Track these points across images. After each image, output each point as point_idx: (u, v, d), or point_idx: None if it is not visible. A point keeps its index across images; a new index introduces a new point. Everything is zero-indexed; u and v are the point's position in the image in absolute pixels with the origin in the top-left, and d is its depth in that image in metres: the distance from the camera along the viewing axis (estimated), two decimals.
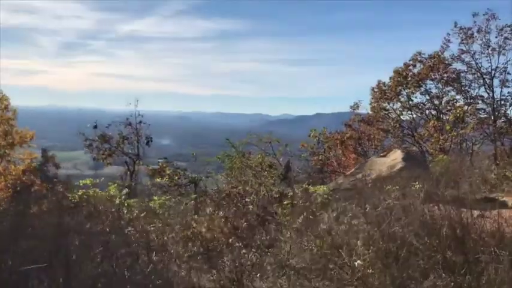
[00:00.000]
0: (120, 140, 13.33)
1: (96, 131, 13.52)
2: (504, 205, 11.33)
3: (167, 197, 8.26)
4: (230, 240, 6.83)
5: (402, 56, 24.57)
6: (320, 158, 18.22)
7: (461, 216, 6.65)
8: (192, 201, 8.58)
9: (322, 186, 7.57)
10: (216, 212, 7.97)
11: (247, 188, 9.12)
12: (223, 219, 6.83)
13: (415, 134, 23.40)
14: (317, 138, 19.25)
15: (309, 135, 19.56)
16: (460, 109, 19.49)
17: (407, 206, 5.87)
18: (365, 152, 19.47)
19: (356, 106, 21.15)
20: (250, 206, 7.89)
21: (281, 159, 18.22)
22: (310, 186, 7.58)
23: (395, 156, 11.72)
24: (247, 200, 8.26)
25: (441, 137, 20.04)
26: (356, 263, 4.32)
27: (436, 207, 6.64)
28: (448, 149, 21.35)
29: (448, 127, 19.06)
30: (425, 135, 22.07)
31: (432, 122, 21.08)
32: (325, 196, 7.01)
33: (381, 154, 12.98)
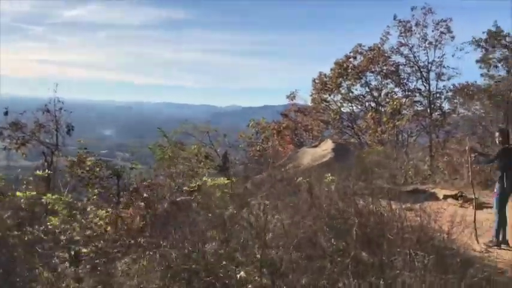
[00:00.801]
0: (36, 128, 11.88)
1: (7, 118, 11.98)
2: (434, 197, 10.95)
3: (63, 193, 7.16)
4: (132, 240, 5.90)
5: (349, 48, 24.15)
6: (258, 148, 17.44)
7: (377, 211, 5.99)
8: (95, 196, 7.51)
9: (223, 178, 6.69)
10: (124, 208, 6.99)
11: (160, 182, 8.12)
12: (119, 217, 5.84)
13: (354, 125, 23.13)
14: (255, 129, 18.46)
15: (248, 126, 18.75)
16: (397, 101, 19.22)
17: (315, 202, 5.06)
18: (301, 142, 18.87)
19: (292, 96, 20.45)
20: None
21: (219, 150, 17.32)
22: (211, 179, 6.71)
23: (326, 147, 11.08)
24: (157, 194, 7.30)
25: (378, 129, 19.74)
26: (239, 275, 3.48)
27: (352, 200, 5.93)
28: (386, 141, 21.19)
29: (385, 119, 18.73)
30: (364, 127, 21.77)
31: (370, 113, 20.75)
32: (225, 190, 6.17)
33: (313, 144, 12.32)
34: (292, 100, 20.41)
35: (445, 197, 10.43)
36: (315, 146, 11.88)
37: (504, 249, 6.70)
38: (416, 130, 22.40)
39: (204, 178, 6.55)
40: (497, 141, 6.97)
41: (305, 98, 20.42)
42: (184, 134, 18.86)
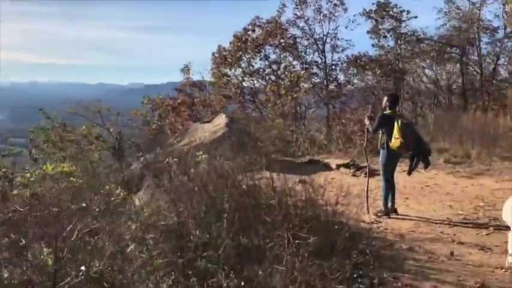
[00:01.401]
0: None
1: None
2: (328, 167, 10.71)
3: None
4: None
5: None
6: (154, 126, 16.27)
7: (257, 189, 5.36)
8: None
9: (64, 164, 5.71)
10: None
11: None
12: None
13: (255, 99, 22.68)
14: (150, 106, 17.19)
15: (142, 103, 17.43)
16: (294, 74, 18.93)
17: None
18: (199, 118, 17.99)
19: (187, 69, 19.33)
20: None
21: (112, 130, 15.91)
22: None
23: (219, 122, 10.32)
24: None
25: (278, 102, 19.41)
26: None
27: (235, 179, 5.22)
28: (287, 114, 21.02)
29: (283, 91, 18.38)
30: (265, 100, 21.37)
31: (270, 86, 20.33)
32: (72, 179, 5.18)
33: (206, 120, 11.51)
34: (186, 74, 19.30)
35: (338, 166, 10.19)
36: (208, 122, 11.09)
37: (393, 217, 6.42)
38: (314, 102, 22.53)
39: (46, 166, 5.43)
40: (383, 106, 6.62)
41: (201, 71, 19.25)
42: (75, 115, 17.16)
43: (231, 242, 3.70)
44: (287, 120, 19.31)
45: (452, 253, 4.87)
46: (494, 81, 21.84)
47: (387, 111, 6.46)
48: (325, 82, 22.37)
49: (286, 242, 3.75)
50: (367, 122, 6.72)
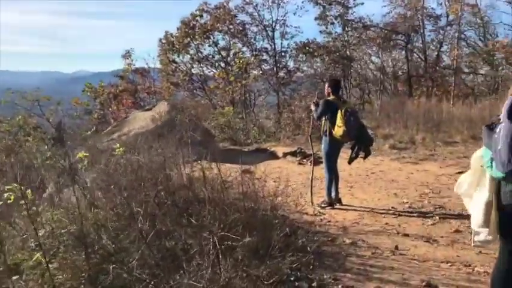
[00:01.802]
0: None
1: None
2: (275, 155, 10.26)
3: None
4: None
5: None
6: (96, 116, 15.28)
7: (190, 183, 4.79)
8: None
9: None
10: None
11: None
12: None
13: (205, 87, 21.96)
14: (92, 95, 16.09)
15: (83, 91, 16.32)
16: (243, 60, 18.32)
17: None
18: (143, 106, 17.10)
19: (128, 55, 18.28)
20: None
21: (51, 120, 14.79)
22: None
23: (160, 110, 9.60)
24: None
25: (227, 89, 18.79)
26: None
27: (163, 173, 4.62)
28: (237, 101, 20.45)
29: (232, 78, 17.76)
30: (214, 87, 20.69)
31: (218, 73, 19.64)
32: None
33: (146, 108, 10.76)
34: (127, 59, 18.22)
35: (285, 154, 9.76)
36: (149, 109, 10.33)
37: (337, 208, 6.02)
38: (265, 89, 22.08)
39: None
40: (325, 93, 6.18)
41: (145, 58, 18.17)
42: (11, 105, 15.88)
43: (148, 249, 3.11)
44: (237, 108, 18.76)
45: (397, 247, 4.50)
46: (437, 68, 22.16)
47: (331, 98, 6.02)
48: (275, 69, 21.97)
49: (211, 246, 3.19)
50: (313, 108, 6.27)
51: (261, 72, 21.50)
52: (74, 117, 15.46)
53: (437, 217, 5.49)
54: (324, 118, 6.03)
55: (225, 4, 21.62)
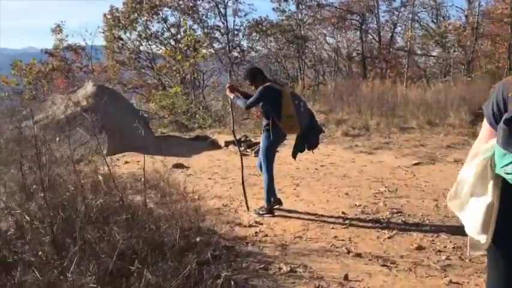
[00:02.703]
0: None
1: None
2: (216, 144, 9.01)
3: None
4: None
5: None
6: (27, 96, 13.44)
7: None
8: None
9: None
10: None
11: None
12: None
13: (154, 65, 20.26)
14: (16, 73, 14.16)
15: (13, 69, 14.35)
16: (191, 37, 16.76)
17: None
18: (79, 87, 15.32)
19: (58, 29, 16.24)
20: None
21: None
22: None
23: (86, 92, 8.11)
24: None
25: (174, 68, 17.23)
26: None
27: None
28: (188, 82, 18.96)
29: (179, 56, 16.21)
30: (163, 66, 19.03)
31: (165, 50, 18.00)
32: None
33: (70, 90, 9.21)
34: (58, 34, 16.21)
35: (227, 143, 8.51)
36: (73, 92, 8.79)
37: (279, 215, 4.86)
38: (217, 69, 20.63)
39: None
40: (252, 86, 4.88)
41: (82, 34, 16.10)
42: None
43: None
44: (185, 89, 17.29)
45: (346, 277, 3.40)
46: (391, 50, 21.42)
47: (270, 83, 4.75)
48: (227, 48, 20.53)
49: None
50: (231, 95, 4.97)
51: (212, 51, 20.04)
52: (3, 98, 13.59)
53: (395, 228, 4.44)
54: (261, 108, 4.82)
55: None
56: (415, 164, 7.35)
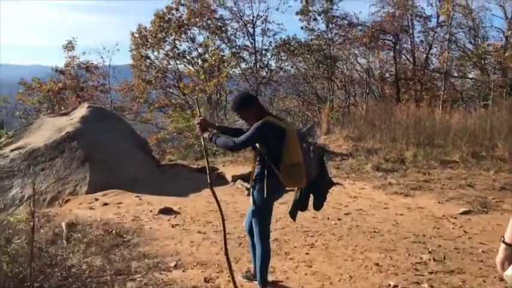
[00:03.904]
0: None
1: None
2: (222, 178, 7.50)
3: None
4: None
5: None
6: (43, 115, 12.42)
7: None
8: None
9: None
10: None
11: None
12: None
13: (180, 84, 19.13)
14: (25, 91, 13.14)
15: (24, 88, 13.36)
16: (216, 56, 15.51)
17: None
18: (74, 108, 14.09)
19: (70, 46, 15.19)
20: None
21: None
22: None
23: (77, 115, 6.85)
24: None
25: (196, 88, 16.00)
26: None
27: None
28: (213, 102, 17.71)
29: (202, 76, 14.98)
30: (185, 86, 17.89)
31: (189, 70, 16.84)
32: None
33: (62, 112, 7.99)
34: (70, 51, 15.17)
35: (234, 178, 6.99)
36: (65, 114, 7.55)
37: None
38: (243, 88, 19.30)
39: None
40: (247, 115, 3.30)
41: (99, 52, 14.90)
42: None
43: None
44: (209, 110, 15.99)
45: None
46: (426, 71, 19.51)
47: (268, 117, 3.24)
48: (255, 68, 19.22)
49: None
50: (204, 134, 3.42)
51: (240, 71, 18.80)
52: (16, 117, 12.66)
53: None
54: (255, 151, 3.31)
55: None
56: (464, 213, 5.63)
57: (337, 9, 17.16)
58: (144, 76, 19.00)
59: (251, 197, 3.32)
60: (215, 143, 3.30)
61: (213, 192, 3.24)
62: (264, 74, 19.55)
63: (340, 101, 19.30)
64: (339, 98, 19.73)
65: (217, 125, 3.87)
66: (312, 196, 3.37)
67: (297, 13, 16.91)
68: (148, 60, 19.18)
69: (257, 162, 3.26)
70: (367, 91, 18.46)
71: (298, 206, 3.37)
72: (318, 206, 3.40)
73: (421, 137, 9.79)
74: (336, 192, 6.30)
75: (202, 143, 3.55)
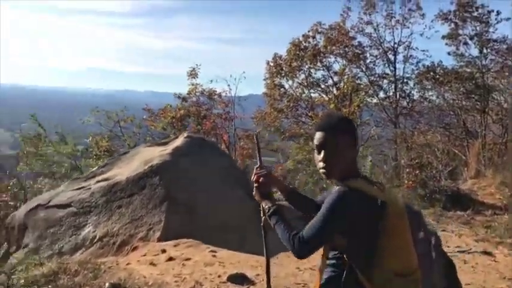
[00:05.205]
0: None
1: None
2: None
3: None
4: None
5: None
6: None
7: None
8: None
9: None
10: None
11: None
12: None
13: (312, 114, 18.62)
14: (148, 117, 13.74)
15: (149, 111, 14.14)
16: (348, 83, 14.67)
17: None
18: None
19: (194, 73, 15.35)
20: None
21: (128, 143, 13.11)
22: None
23: (172, 145, 6.67)
24: None
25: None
26: None
27: None
28: None
29: (331, 105, 14.26)
30: (315, 116, 17.30)
31: (320, 98, 16.20)
32: None
33: (161, 141, 7.94)
34: (193, 78, 15.36)
35: None
36: (162, 144, 7.31)
37: None
38: (381, 119, 17.92)
39: None
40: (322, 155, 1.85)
41: (227, 80, 14.99)
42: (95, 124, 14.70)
43: None
44: None
45: None
46: None
47: (355, 181, 1.80)
48: (395, 97, 17.76)
49: None
50: (263, 203, 2.00)
51: (379, 101, 17.55)
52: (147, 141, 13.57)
53: None
54: (333, 245, 1.85)
55: (340, 24, 18.22)
56: None
57: (493, 32, 14.88)
58: (276, 105, 19.01)
59: None
60: (273, 226, 1.92)
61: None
62: (405, 104, 17.98)
63: (495, 137, 16.52)
64: (494, 133, 16.93)
65: (289, 185, 2.61)
66: None
67: (443, 37, 15.13)
68: (282, 89, 19.21)
69: (329, 261, 1.88)
70: None
71: None
72: None
73: None
74: (481, 266, 4.83)
75: (262, 220, 2.06)
